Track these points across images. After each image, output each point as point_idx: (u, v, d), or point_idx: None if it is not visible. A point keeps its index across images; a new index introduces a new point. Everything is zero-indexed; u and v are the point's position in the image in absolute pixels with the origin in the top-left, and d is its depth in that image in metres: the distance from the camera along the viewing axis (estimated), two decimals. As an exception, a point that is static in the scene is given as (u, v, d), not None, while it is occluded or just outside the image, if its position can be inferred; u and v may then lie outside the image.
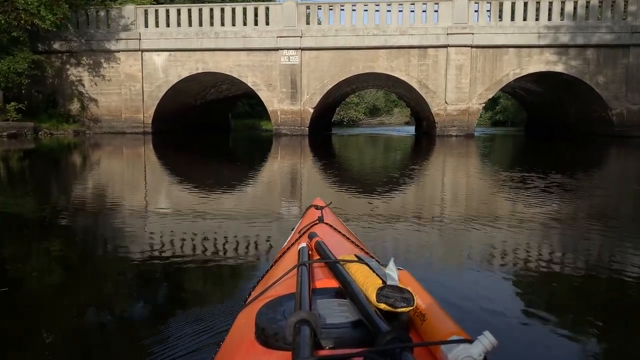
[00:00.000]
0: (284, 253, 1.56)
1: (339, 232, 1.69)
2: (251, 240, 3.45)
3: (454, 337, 0.78)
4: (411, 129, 32.54)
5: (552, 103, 22.91)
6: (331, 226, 1.73)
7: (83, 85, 20.93)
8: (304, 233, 1.63)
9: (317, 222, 1.75)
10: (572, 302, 2.39)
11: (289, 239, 1.88)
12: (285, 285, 1.13)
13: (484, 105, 19.64)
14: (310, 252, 1.34)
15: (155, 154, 13.14)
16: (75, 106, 21.07)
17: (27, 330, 1.98)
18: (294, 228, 2.07)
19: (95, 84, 20.87)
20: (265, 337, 0.87)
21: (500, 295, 2.41)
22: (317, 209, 1.99)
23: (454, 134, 19.20)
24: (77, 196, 5.77)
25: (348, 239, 1.65)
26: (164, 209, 4.80)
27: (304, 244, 1.37)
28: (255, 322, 0.92)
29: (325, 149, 15.73)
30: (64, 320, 2.11)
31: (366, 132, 30.64)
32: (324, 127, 26.42)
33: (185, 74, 20.14)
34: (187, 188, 6.37)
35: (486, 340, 0.73)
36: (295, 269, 1.16)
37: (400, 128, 39.17)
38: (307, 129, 19.90)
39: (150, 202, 5.25)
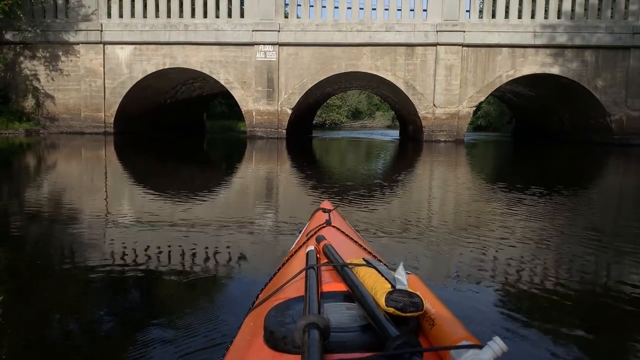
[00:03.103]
0: (291, 256, 1.52)
1: (347, 235, 1.69)
2: (222, 251, 3.23)
3: (464, 343, 0.78)
4: (395, 133, 31.40)
5: (544, 108, 21.74)
6: (339, 229, 1.72)
7: (38, 80, 19.04)
8: (311, 236, 1.61)
9: (325, 225, 1.74)
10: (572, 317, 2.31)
11: (296, 241, 1.85)
12: (294, 288, 1.12)
13: (474, 109, 18.32)
14: (318, 255, 1.35)
15: (117, 157, 11.82)
16: (29, 103, 19.17)
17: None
18: (301, 231, 2.08)
19: (52, 78, 19.01)
20: (274, 340, 0.87)
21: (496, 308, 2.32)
22: (324, 211, 1.97)
23: (443, 140, 17.84)
24: (25, 206, 4.94)
25: (356, 242, 1.63)
26: (126, 217, 4.29)
27: (311, 247, 1.38)
28: (263, 325, 0.92)
29: (304, 154, 14.44)
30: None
31: (348, 135, 29.37)
32: (304, 130, 24.93)
33: (151, 69, 18.42)
34: (148, 195, 5.74)
35: (496, 345, 0.72)
36: (304, 272, 1.15)
37: (383, 132, 38.07)
38: (284, 131, 18.35)
39: (111, 210, 4.75)
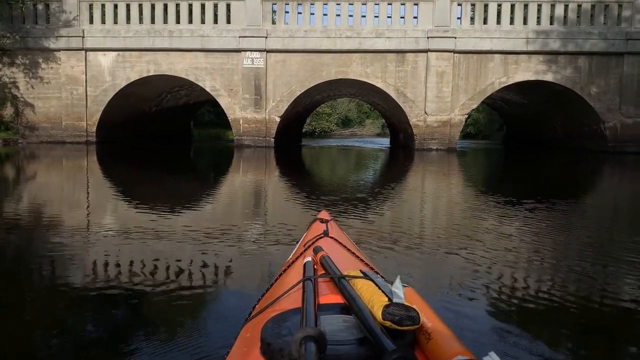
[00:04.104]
0: (288, 266, 1.52)
1: (344, 246, 1.67)
2: (208, 264, 3.13)
3: (460, 357, 0.79)
4: (385, 141, 31.04)
5: (537, 115, 21.48)
6: (336, 240, 1.70)
7: (17, 87, 18.38)
8: (309, 246, 1.61)
9: (322, 235, 1.73)
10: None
11: (293, 252, 1.84)
12: (291, 300, 1.12)
13: (467, 116, 17.96)
14: (315, 266, 1.34)
15: (100, 167, 11.46)
16: (8, 112, 18.49)
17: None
18: (298, 241, 2.05)
19: (32, 86, 18.36)
20: (271, 352, 0.87)
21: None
22: (322, 222, 1.94)
23: (435, 148, 17.44)
24: (2, 220, 4.71)
25: (353, 253, 1.61)
26: (111, 230, 4.17)
27: (309, 258, 1.38)
28: (260, 337, 0.92)
29: (292, 163, 14.05)
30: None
31: (339, 144, 28.97)
32: (293, 138, 24.45)
33: (135, 76, 17.85)
34: (132, 208, 5.57)
35: None
36: (301, 283, 1.15)
37: (373, 140, 37.71)
38: (272, 139, 17.85)
39: (95, 224, 4.54)
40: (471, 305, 2.48)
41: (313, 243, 1.63)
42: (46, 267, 3.06)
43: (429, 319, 0.93)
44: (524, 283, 2.87)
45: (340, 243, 1.68)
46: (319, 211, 2.42)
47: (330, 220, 2.01)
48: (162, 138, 22.70)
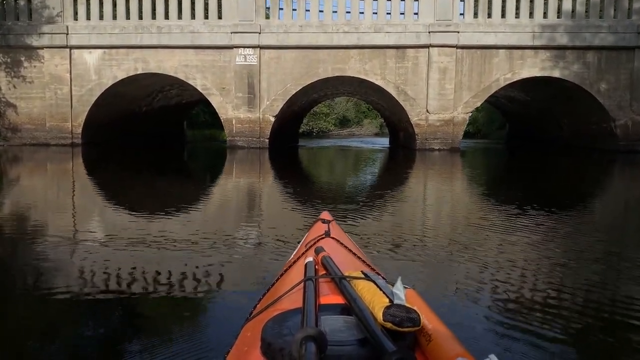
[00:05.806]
0: (290, 266, 1.52)
1: (346, 247, 1.67)
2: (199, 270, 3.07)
3: (460, 359, 0.79)
4: (384, 141, 30.32)
5: (541, 113, 20.69)
6: (338, 241, 1.71)
7: (-1, 87, 17.58)
8: (310, 247, 1.61)
9: (324, 236, 1.74)
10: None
11: (295, 252, 1.84)
12: (291, 300, 1.12)
13: (470, 114, 17.16)
14: (316, 266, 1.34)
15: (86, 171, 11.02)
16: (-11, 113, 17.68)
17: None
18: (300, 241, 2.06)
19: (14, 86, 17.52)
20: (272, 352, 0.87)
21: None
22: (323, 222, 1.94)
23: (437, 148, 16.65)
24: None
25: (355, 254, 1.63)
26: (101, 237, 4.09)
27: (310, 258, 1.37)
28: (261, 336, 0.91)
29: (287, 166, 13.34)
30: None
31: (337, 144, 28.23)
32: (289, 139, 23.64)
33: (122, 75, 17.02)
34: (122, 213, 5.47)
35: None
36: (302, 283, 1.15)
37: (372, 140, 36.95)
38: (267, 140, 17.03)
39: (89, 230, 4.46)
40: (472, 308, 2.48)
41: (315, 243, 1.63)
42: (40, 276, 3.01)
43: (429, 320, 0.92)
44: (527, 288, 2.84)
45: (341, 244, 1.68)
46: (318, 215, 2.33)
47: (332, 221, 2.00)
48: (153, 139, 21.86)
